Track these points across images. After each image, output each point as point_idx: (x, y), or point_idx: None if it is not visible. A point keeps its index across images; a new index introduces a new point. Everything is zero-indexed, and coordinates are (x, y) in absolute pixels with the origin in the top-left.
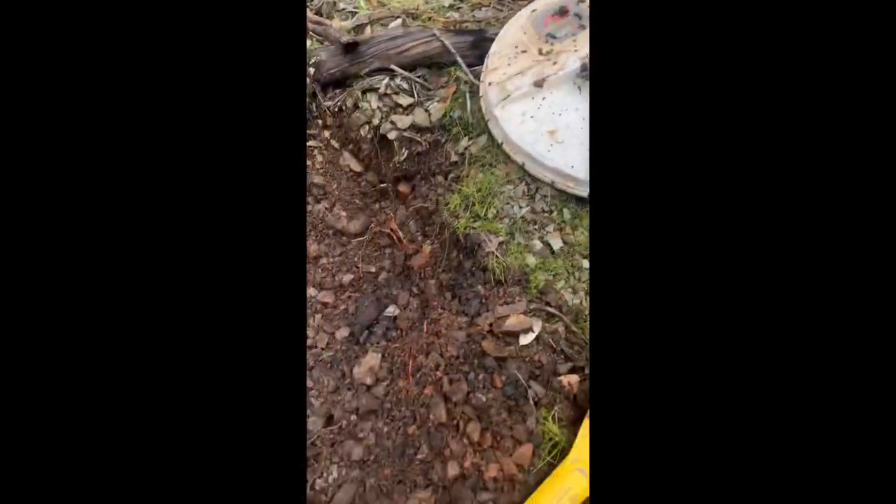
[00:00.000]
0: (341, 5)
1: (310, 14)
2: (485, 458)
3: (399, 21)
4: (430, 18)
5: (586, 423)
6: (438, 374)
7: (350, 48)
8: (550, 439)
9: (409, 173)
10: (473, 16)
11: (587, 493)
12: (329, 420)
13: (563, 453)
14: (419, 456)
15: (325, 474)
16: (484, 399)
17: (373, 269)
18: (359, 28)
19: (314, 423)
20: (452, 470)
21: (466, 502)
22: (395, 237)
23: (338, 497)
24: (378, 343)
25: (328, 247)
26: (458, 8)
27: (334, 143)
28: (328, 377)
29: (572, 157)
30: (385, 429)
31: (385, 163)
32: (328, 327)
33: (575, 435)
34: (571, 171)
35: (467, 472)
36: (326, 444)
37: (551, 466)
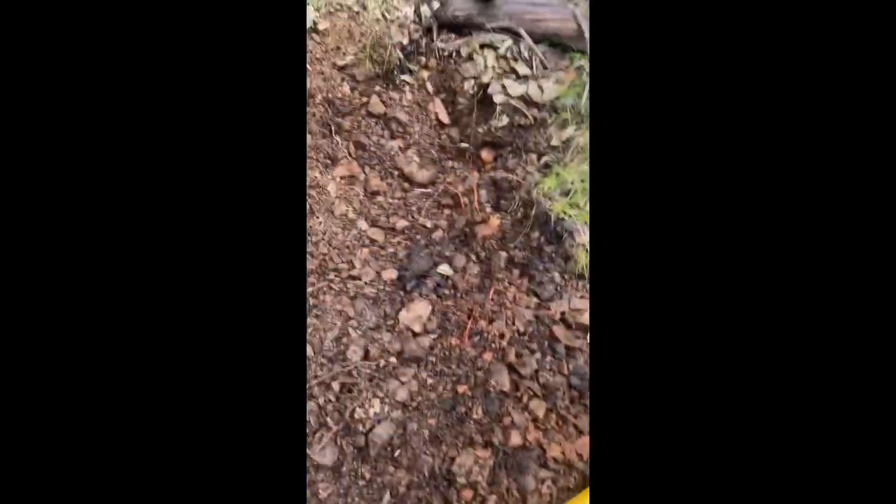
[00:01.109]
0: None
1: None
2: (548, 438)
3: None
4: None
5: None
6: (503, 343)
7: (489, 9)
8: None
9: (501, 142)
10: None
11: None
12: (366, 355)
13: None
14: (474, 416)
15: (365, 406)
16: (552, 381)
17: (429, 225)
18: None
19: (354, 353)
20: (516, 438)
21: (529, 473)
22: (460, 200)
23: (377, 431)
24: (427, 296)
25: (389, 186)
26: None
27: (429, 87)
28: (371, 312)
29: None
30: (429, 380)
31: (476, 124)
32: (374, 265)
33: None
34: None
35: (530, 444)
36: (364, 377)
37: None
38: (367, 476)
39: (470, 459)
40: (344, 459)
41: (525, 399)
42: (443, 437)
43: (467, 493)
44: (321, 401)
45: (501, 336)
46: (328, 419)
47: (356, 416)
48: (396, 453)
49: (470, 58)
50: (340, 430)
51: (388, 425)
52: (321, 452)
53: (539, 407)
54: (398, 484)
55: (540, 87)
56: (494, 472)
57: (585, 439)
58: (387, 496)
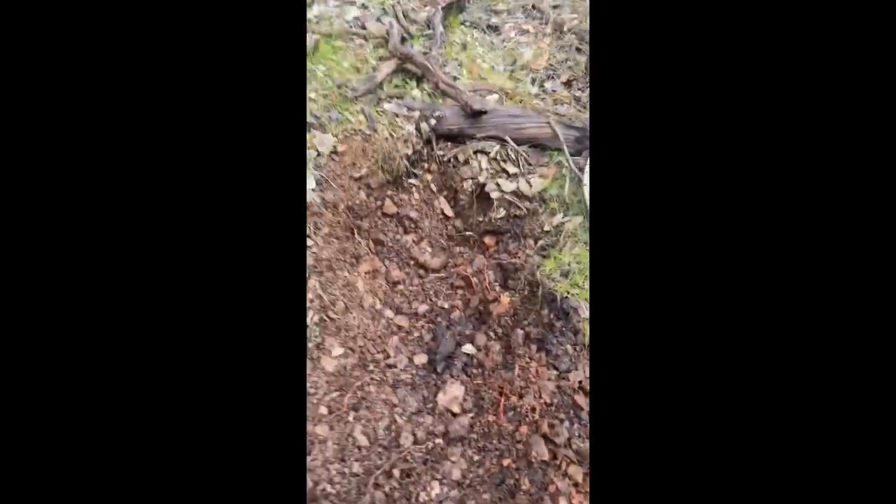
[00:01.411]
0: (447, 69)
1: (443, 75)
2: (587, 500)
3: (496, 96)
4: (521, 101)
5: None
6: (536, 416)
7: (477, 114)
8: None
9: (500, 230)
10: (556, 109)
11: None
12: (415, 439)
13: None
14: (523, 487)
15: (427, 489)
16: (582, 445)
17: (446, 306)
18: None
19: (405, 439)
20: (563, 503)
21: None
22: (472, 281)
23: None
24: (458, 376)
25: (408, 275)
26: (542, 98)
27: (433, 187)
28: (412, 398)
29: None
30: (475, 457)
31: (477, 215)
32: (405, 350)
33: None
34: None
35: None
36: (418, 461)
37: None
38: None
39: None
40: None
41: (563, 466)
42: None
43: None
44: (387, 489)
45: (533, 409)
46: None
47: (421, 499)
48: None
49: (466, 162)
50: None
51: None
52: None
53: (577, 472)
54: None
55: (528, 182)
56: None
57: None
58: None
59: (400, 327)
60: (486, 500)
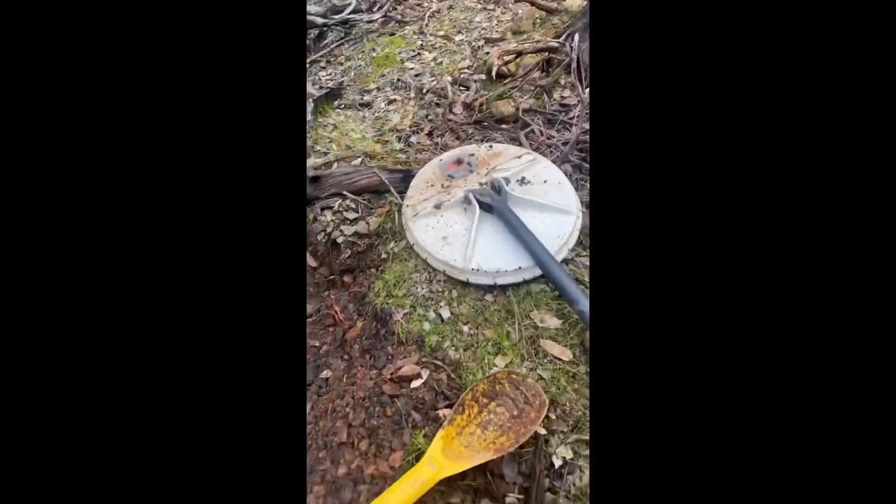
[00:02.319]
0: (318, 147)
1: None
2: (367, 462)
3: (359, 160)
4: (382, 158)
5: (440, 433)
6: (348, 410)
7: (315, 180)
8: (418, 449)
9: (352, 267)
10: (416, 157)
11: (435, 480)
12: None
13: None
14: (321, 467)
15: None
16: (376, 423)
17: (317, 343)
18: (328, 164)
19: None
20: (342, 470)
21: (347, 490)
22: (336, 318)
23: None
24: (311, 398)
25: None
26: (406, 151)
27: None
28: None
29: (457, 253)
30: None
31: (334, 260)
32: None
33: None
34: (455, 263)
35: (352, 471)
36: None
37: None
38: None
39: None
40: None
41: (356, 442)
42: None
43: None
44: None
45: (347, 405)
46: None
47: None
48: None
49: (315, 219)
50: None
51: None
52: None
53: (364, 444)
54: None
55: (367, 223)
56: (324, 499)
57: (396, 454)
58: None
59: None
60: None
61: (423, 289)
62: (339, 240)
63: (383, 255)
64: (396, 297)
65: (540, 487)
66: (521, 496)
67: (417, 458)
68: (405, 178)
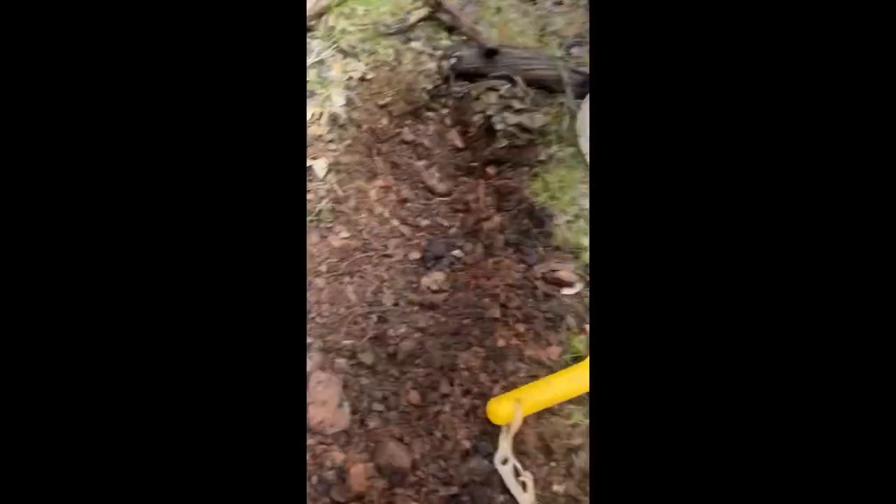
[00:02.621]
0: (479, 27)
1: (469, 22)
2: (525, 344)
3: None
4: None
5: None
6: (496, 290)
7: (491, 53)
8: (577, 351)
9: (502, 159)
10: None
11: (586, 388)
12: (396, 303)
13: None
14: (474, 334)
15: (395, 330)
16: (531, 311)
17: (446, 223)
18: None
19: (387, 300)
20: (501, 342)
21: (509, 363)
22: (471, 206)
23: (403, 344)
24: (443, 270)
25: (416, 196)
26: (565, 60)
27: (447, 121)
28: (400, 279)
29: None
30: (443, 318)
31: (483, 147)
32: (402, 251)
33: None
34: None
35: (511, 347)
36: (395, 315)
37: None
38: (395, 373)
39: (468, 355)
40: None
41: (511, 322)
42: (450, 346)
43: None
44: (363, 325)
45: (495, 287)
46: (366, 340)
47: (388, 335)
48: (417, 360)
49: (478, 98)
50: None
51: (410, 341)
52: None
53: (520, 327)
54: (415, 379)
55: (531, 118)
56: (485, 362)
57: (554, 348)
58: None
59: (402, 234)
60: (442, 341)
61: (586, 200)
62: (498, 126)
63: (542, 157)
64: (560, 201)
65: None
66: None
67: (574, 360)
68: (585, 82)
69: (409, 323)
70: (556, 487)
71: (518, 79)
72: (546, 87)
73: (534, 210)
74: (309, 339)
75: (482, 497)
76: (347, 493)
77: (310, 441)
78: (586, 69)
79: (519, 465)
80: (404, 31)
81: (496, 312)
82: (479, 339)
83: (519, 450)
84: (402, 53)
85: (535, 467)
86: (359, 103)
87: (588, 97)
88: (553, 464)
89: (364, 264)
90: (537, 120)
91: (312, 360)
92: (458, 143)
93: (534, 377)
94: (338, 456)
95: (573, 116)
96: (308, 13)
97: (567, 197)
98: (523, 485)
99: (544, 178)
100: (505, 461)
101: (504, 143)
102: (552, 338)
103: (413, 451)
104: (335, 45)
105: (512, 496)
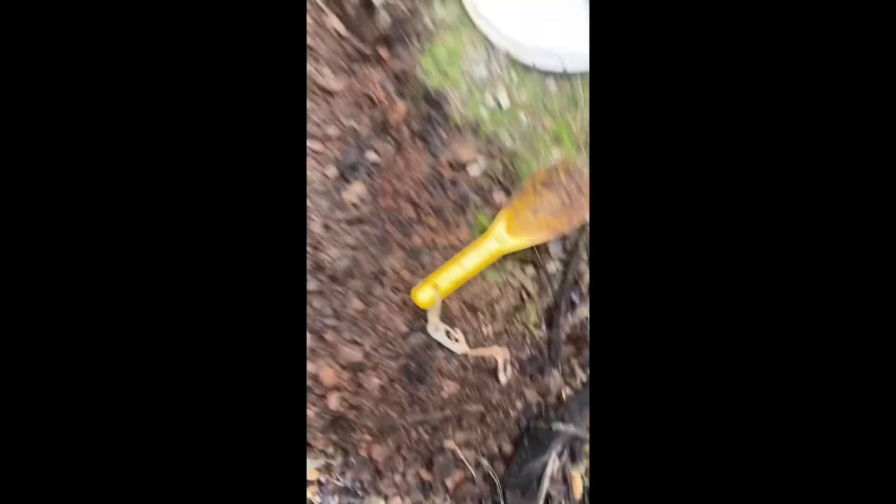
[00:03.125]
0: None
1: None
2: (437, 235)
3: None
4: None
5: (501, 213)
6: (410, 192)
7: None
8: (482, 226)
9: (391, 39)
10: None
11: (500, 254)
12: (326, 228)
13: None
14: (395, 238)
15: (329, 254)
16: (440, 202)
17: (354, 124)
18: None
19: (316, 225)
20: (417, 241)
21: (424, 256)
22: (373, 96)
23: (339, 264)
24: (360, 178)
25: (316, 104)
26: None
27: (320, 4)
28: (323, 200)
29: (526, 29)
30: (369, 229)
31: (367, 28)
32: (319, 168)
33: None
34: (522, 41)
35: (426, 242)
36: (327, 240)
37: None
38: (340, 290)
39: (391, 259)
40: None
41: (423, 218)
42: (377, 253)
43: (389, 279)
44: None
45: (408, 187)
46: (309, 261)
47: (324, 260)
48: (353, 273)
49: None
50: (315, 268)
51: (343, 259)
52: (308, 280)
53: (432, 221)
54: (356, 289)
55: None
56: (405, 261)
57: (463, 228)
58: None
59: (315, 151)
60: (373, 251)
61: (480, 68)
62: (376, 1)
63: (428, 24)
64: (450, 79)
65: (577, 259)
66: (561, 267)
67: (481, 234)
68: None
69: (341, 244)
70: (484, 330)
71: None
72: None
73: (429, 93)
74: None
75: (425, 358)
76: (325, 388)
77: None
78: None
79: (448, 328)
80: None
81: (411, 212)
82: (399, 243)
83: (449, 317)
84: None
85: (465, 323)
86: None
87: None
88: (481, 315)
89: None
90: None
91: None
92: (342, 29)
93: (447, 259)
94: (310, 367)
95: None
96: None
97: (456, 70)
98: (455, 340)
99: (432, 53)
100: (437, 329)
101: (388, 19)
102: (461, 220)
103: (364, 346)
104: None
105: (449, 351)
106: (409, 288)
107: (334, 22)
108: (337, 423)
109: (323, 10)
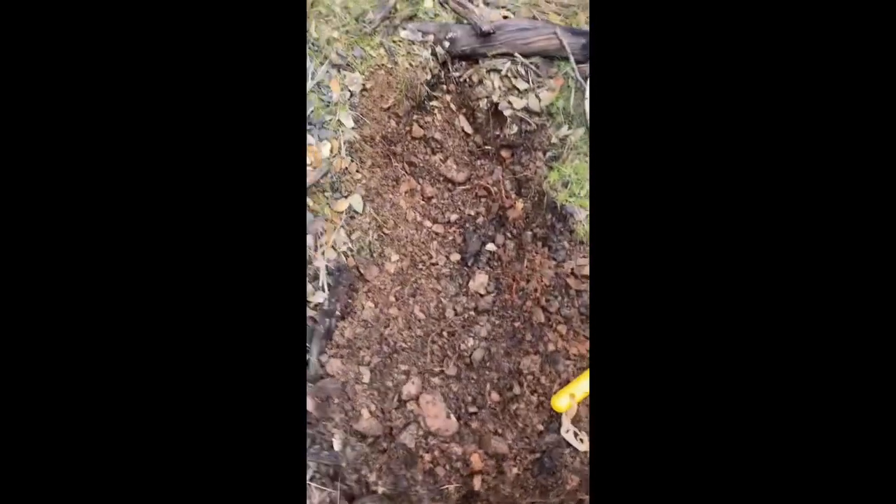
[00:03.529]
0: None
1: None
2: (569, 344)
3: (502, 12)
4: (535, 5)
5: None
6: (537, 294)
7: (487, 35)
8: None
9: (514, 144)
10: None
11: None
12: (455, 312)
13: None
14: (528, 338)
15: (464, 342)
16: (569, 311)
17: (472, 213)
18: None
19: (449, 312)
20: (552, 346)
21: (560, 364)
22: (491, 190)
23: (475, 354)
24: (483, 268)
25: (438, 190)
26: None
27: (452, 107)
28: (451, 286)
29: None
30: (497, 321)
31: (494, 131)
32: (443, 252)
33: None
34: None
35: (560, 349)
36: (458, 326)
37: None
38: (474, 377)
39: (528, 361)
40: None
41: (554, 325)
42: (511, 351)
43: (527, 380)
44: (440, 343)
45: (535, 290)
46: (448, 351)
47: (461, 348)
48: (487, 364)
49: (480, 81)
50: (456, 356)
51: (480, 350)
52: (446, 365)
53: (563, 328)
54: (491, 380)
55: (537, 97)
56: (542, 366)
57: (587, 344)
58: (488, 386)
59: (437, 234)
60: (504, 346)
61: None
62: (507, 112)
63: (554, 140)
64: (578, 198)
65: None
66: None
67: None
68: (587, 44)
69: (472, 332)
70: None
71: (517, 55)
72: (548, 56)
73: (555, 206)
74: (405, 367)
75: (557, 454)
76: (471, 471)
77: (433, 442)
78: (585, 28)
79: (576, 430)
80: (389, 16)
81: (541, 316)
82: (533, 345)
83: (579, 416)
84: (394, 51)
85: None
86: (366, 120)
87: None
88: None
89: (420, 279)
90: (543, 98)
91: (415, 384)
92: (468, 128)
93: (581, 369)
94: (457, 449)
95: (579, 87)
96: None
97: (584, 191)
98: (581, 440)
99: (559, 170)
100: (567, 431)
101: (514, 128)
102: (587, 332)
103: (507, 438)
104: (327, 61)
105: (574, 448)
106: (545, 392)
107: (463, 122)
108: (469, 499)
109: (454, 112)
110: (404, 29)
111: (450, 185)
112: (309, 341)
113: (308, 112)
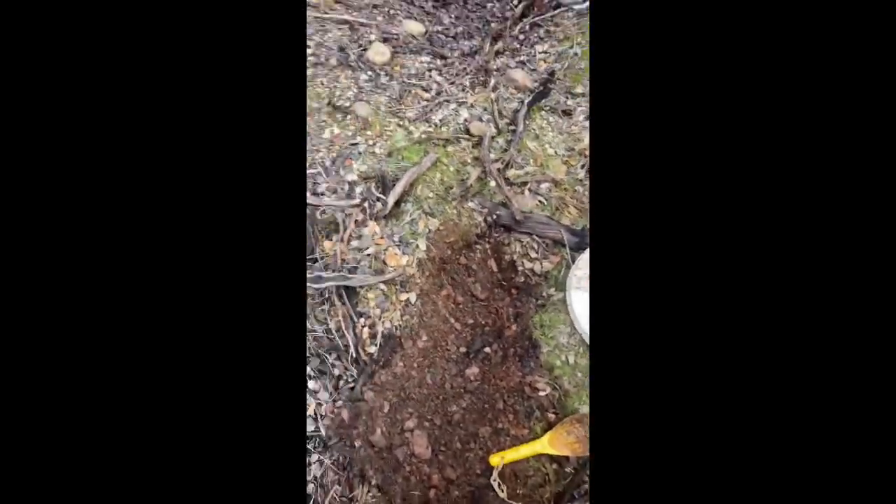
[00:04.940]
0: (520, 158)
1: (506, 188)
2: (513, 427)
3: (548, 185)
4: (563, 187)
5: (550, 431)
6: (503, 390)
7: (518, 222)
8: (536, 433)
9: (520, 287)
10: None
11: (539, 453)
12: (452, 385)
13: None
14: (489, 416)
15: (450, 407)
16: (520, 408)
17: (482, 322)
18: (523, 183)
19: (448, 384)
20: (501, 425)
21: (502, 437)
22: (498, 313)
23: (455, 416)
24: (477, 363)
25: (465, 301)
26: (585, 186)
27: (489, 252)
28: (454, 368)
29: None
30: (475, 401)
31: (510, 275)
32: (456, 343)
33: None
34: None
35: (505, 428)
36: (450, 395)
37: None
38: (450, 430)
39: (484, 430)
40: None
41: (508, 414)
42: (477, 421)
43: (480, 440)
44: (436, 402)
45: (503, 388)
46: (439, 409)
47: (449, 409)
48: (460, 424)
49: (508, 244)
50: (443, 413)
51: (459, 414)
52: (435, 417)
53: (511, 416)
54: (459, 435)
55: (541, 264)
56: (491, 435)
57: (524, 430)
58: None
59: (456, 329)
60: (473, 417)
61: (563, 338)
62: (519, 268)
63: (545, 294)
64: (546, 337)
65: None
66: (573, 470)
67: (534, 437)
68: (582, 242)
69: (458, 402)
70: (519, 491)
71: (535, 236)
72: (554, 242)
73: (531, 338)
74: (411, 410)
75: (485, 492)
76: (430, 482)
77: (413, 460)
78: (580, 227)
79: (500, 481)
80: (466, 193)
81: (500, 404)
82: (491, 421)
83: (503, 473)
84: (461, 213)
85: (507, 480)
86: (433, 250)
87: (587, 252)
88: (519, 480)
89: (436, 357)
90: (545, 266)
91: (413, 422)
92: (495, 268)
93: (514, 444)
94: (427, 469)
95: (568, 266)
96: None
97: (550, 333)
98: (501, 490)
99: (541, 315)
100: (494, 479)
101: (522, 278)
102: (526, 423)
103: (456, 471)
104: (420, 209)
105: (496, 493)
106: (488, 451)
107: (493, 264)
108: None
109: (489, 255)
110: (471, 201)
111: (473, 300)
112: (359, 376)
113: (399, 235)
